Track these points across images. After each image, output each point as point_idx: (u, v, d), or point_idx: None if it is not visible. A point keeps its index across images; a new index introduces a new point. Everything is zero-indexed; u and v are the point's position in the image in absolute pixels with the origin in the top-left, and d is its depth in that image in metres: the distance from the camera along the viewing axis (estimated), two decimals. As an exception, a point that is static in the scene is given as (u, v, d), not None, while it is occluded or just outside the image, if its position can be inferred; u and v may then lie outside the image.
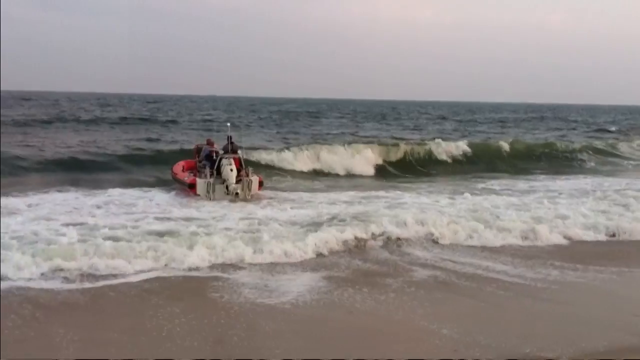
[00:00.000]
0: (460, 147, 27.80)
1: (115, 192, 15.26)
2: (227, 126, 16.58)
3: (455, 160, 26.90)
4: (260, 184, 15.65)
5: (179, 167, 17.24)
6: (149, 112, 56.63)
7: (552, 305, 8.06)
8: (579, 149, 30.92)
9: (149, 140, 28.83)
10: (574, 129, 51.71)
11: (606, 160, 30.12)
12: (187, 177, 15.78)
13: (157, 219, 11.94)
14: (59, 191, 15.24)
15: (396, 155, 25.79)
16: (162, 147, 25.43)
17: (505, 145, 29.19)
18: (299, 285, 8.58)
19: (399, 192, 16.75)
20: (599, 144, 33.51)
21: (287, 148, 24.11)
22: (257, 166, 19.90)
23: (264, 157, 22.25)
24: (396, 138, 34.38)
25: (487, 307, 8.00)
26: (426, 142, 28.64)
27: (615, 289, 8.94)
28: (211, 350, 6.32)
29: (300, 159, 22.74)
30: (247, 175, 15.21)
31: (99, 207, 13.23)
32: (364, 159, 23.89)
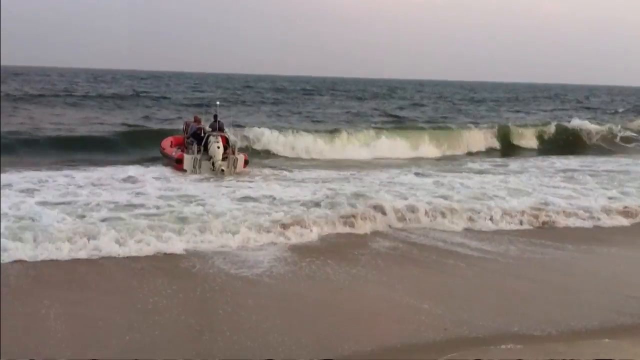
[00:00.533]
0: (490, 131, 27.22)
1: (107, 170, 15.14)
2: (216, 105, 17.22)
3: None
4: (246, 162, 16.08)
5: (167, 142, 17.54)
6: (142, 88, 56.10)
7: (528, 283, 8.13)
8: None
9: (141, 117, 28.62)
10: (576, 109, 51.09)
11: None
12: (174, 153, 16.15)
13: (151, 197, 11.85)
14: (51, 169, 15.10)
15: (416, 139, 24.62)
16: (154, 125, 25.23)
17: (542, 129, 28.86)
18: (265, 255, 8.74)
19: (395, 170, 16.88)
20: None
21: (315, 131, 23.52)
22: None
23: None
24: (396, 116, 34.23)
25: (463, 284, 8.05)
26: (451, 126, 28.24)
27: (595, 269, 9.05)
28: (197, 324, 6.34)
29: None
30: (233, 153, 15.70)
31: (88, 185, 13.07)
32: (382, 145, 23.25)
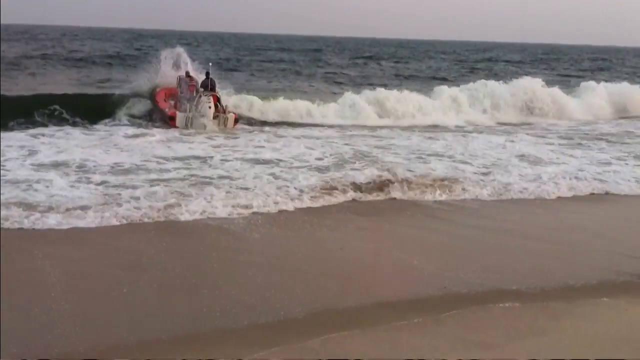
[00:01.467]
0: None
1: (107, 129, 15.31)
2: (209, 64, 18.42)
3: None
4: (236, 120, 16.56)
5: (161, 95, 17.72)
6: (142, 48, 55.27)
7: (526, 241, 8.11)
8: None
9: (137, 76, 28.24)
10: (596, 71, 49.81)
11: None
12: (168, 109, 16.58)
13: (159, 158, 11.86)
14: (53, 127, 15.12)
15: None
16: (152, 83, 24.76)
17: None
18: (267, 220, 8.63)
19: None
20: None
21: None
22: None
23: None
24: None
25: (463, 243, 8.02)
26: None
27: (596, 229, 9.02)
28: (193, 278, 6.42)
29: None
30: (224, 112, 16.29)
31: (89, 146, 12.96)
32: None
